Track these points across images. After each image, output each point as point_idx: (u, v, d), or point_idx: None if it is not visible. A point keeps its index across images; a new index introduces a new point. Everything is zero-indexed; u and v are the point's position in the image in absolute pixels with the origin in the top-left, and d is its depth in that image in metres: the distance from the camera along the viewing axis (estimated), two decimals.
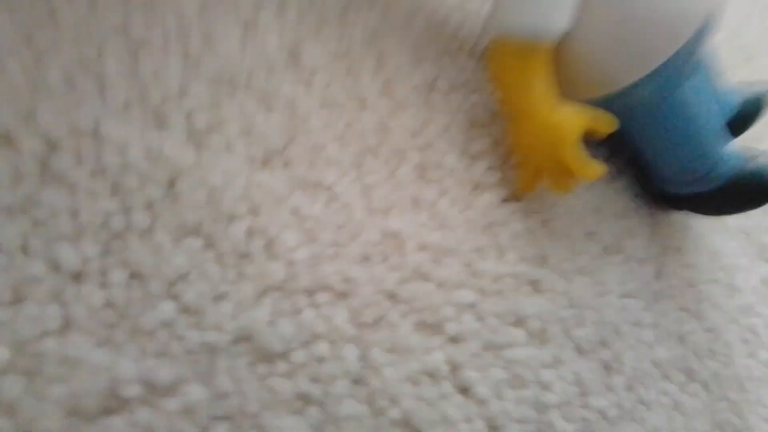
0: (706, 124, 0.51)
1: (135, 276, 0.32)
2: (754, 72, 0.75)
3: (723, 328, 0.64)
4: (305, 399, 0.35)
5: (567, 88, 0.48)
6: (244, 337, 0.35)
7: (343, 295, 0.39)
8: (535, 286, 0.49)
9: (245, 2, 0.42)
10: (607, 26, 0.45)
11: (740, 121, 0.58)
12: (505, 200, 0.50)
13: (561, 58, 0.46)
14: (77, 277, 0.31)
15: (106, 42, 0.35)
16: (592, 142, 0.56)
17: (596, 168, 0.46)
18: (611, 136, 0.51)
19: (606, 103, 0.48)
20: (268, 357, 0.35)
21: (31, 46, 0.33)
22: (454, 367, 0.42)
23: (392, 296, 0.41)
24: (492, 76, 0.47)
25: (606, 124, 0.46)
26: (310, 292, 0.38)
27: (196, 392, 0.32)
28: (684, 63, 0.47)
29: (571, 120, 0.44)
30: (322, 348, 0.37)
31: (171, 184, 0.35)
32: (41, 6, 0.34)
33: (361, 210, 0.41)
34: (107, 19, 0.35)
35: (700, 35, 0.46)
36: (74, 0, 0.35)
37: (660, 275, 0.60)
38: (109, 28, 0.35)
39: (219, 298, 0.35)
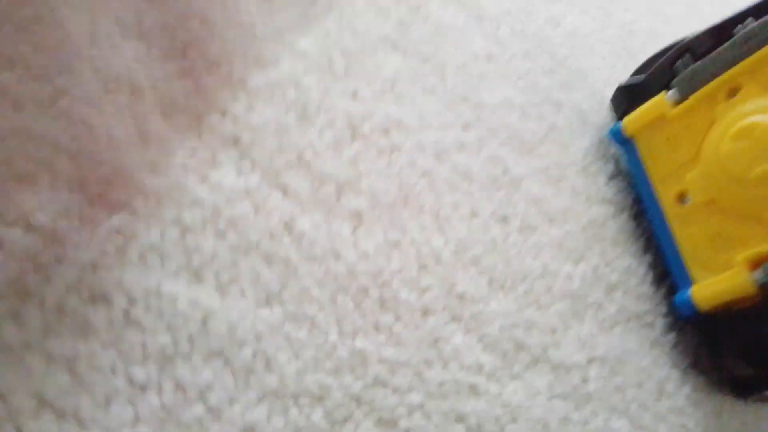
0: None
1: (179, 388, 0.49)
2: None
3: (653, 427, 0.76)
4: None
5: None
6: (249, 430, 0.50)
7: (319, 399, 0.54)
8: (473, 389, 0.63)
9: None
10: None
11: None
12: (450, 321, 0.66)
13: None
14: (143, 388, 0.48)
15: None
16: None
17: None
18: None
19: None
20: None
21: None
22: None
23: (357, 399, 0.56)
24: None
25: None
26: (295, 397, 0.53)
27: None
28: None
29: None
30: None
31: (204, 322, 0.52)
32: None
33: (334, 334, 0.58)
34: None
35: None
36: None
37: (587, 380, 0.73)
38: None
39: (232, 401, 0.51)
